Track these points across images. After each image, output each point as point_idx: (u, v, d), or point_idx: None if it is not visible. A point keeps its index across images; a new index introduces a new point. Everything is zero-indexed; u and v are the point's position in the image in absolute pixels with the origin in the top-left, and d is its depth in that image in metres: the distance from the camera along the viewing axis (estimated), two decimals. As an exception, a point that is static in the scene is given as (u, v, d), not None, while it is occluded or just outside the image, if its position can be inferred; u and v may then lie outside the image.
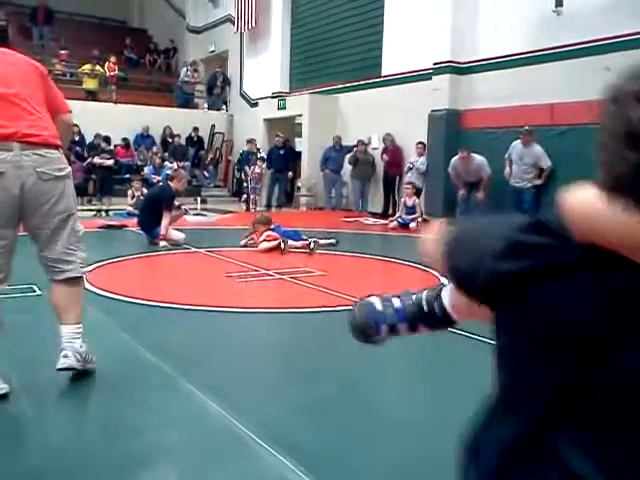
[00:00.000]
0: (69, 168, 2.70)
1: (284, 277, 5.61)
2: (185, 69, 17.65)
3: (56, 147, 2.60)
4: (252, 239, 7.44)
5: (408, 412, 2.64)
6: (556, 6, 9.10)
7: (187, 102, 17.52)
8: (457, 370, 3.23)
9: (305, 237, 7.44)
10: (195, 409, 2.52)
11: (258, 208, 13.06)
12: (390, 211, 11.77)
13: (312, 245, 7.14)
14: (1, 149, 2.39)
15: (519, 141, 9.28)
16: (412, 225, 9.84)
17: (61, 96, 2.84)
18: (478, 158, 9.64)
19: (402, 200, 10.41)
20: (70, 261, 2.70)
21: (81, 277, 2.81)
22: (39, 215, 2.55)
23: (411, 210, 10.11)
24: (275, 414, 2.53)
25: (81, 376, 2.86)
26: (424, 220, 10.47)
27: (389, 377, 3.16)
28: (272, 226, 7.45)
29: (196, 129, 16.16)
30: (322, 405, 2.64)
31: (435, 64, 10.89)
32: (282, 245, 7.06)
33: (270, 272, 5.80)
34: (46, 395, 2.69)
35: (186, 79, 17.49)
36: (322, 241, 7.54)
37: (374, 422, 2.52)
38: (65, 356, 2.67)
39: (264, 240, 7.23)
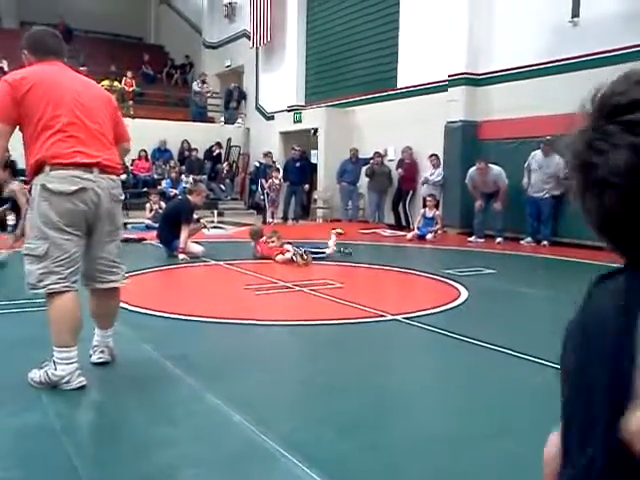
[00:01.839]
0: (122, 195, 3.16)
1: (303, 289, 5.61)
2: (195, 82, 17.98)
3: (119, 176, 3.10)
4: (257, 250, 7.56)
5: (435, 425, 2.61)
6: (572, 17, 9.08)
7: (202, 115, 17.70)
8: (485, 384, 3.21)
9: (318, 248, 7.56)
10: (221, 422, 2.52)
11: (275, 220, 13.11)
12: (403, 223, 11.77)
13: (301, 257, 7.14)
14: (85, 171, 2.86)
15: (539, 151, 9.26)
16: (429, 236, 9.82)
17: (125, 126, 3.30)
18: (495, 169, 9.61)
19: (421, 211, 10.39)
20: (116, 272, 3.08)
21: (119, 289, 3.16)
22: (104, 228, 2.97)
23: (430, 222, 10.09)
24: (301, 427, 2.52)
25: (106, 388, 2.89)
26: (444, 232, 10.48)
27: (414, 389, 3.14)
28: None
29: (219, 144, 16.33)
30: (347, 418, 2.62)
31: (450, 76, 10.90)
32: (294, 258, 7.07)
33: (289, 284, 5.81)
34: (71, 408, 2.71)
35: (197, 89, 17.76)
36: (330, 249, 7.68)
37: (401, 435, 2.51)
38: (102, 352, 3.13)
39: (279, 253, 7.28)
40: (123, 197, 3.16)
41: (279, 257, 7.22)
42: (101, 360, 3.12)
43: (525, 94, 9.82)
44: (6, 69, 16.30)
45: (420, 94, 11.73)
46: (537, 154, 9.30)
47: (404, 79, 12.26)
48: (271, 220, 13.11)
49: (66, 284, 2.82)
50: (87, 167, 2.85)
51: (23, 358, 3.29)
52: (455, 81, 10.84)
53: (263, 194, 13.42)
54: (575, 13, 9.06)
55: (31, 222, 2.85)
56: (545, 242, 9.24)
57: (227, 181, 16.37)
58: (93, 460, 2.20)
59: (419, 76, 11.73)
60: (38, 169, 2.82)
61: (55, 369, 2.79)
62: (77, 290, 2.91)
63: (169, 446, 2.31)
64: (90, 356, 3.15)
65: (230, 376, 3.16)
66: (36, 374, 2.86)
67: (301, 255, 7.09)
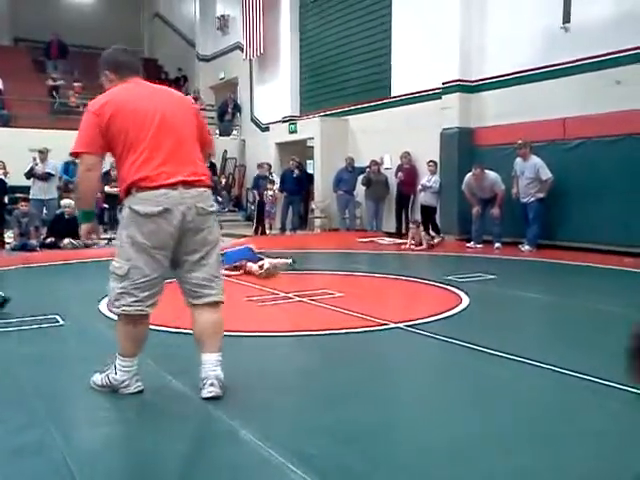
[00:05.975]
0: (216, 205, 3.07)
1: (303, 300, 5.60)
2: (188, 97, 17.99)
3: (208, 187, 3.00)
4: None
5: (443, 435, 2.59)
6: (564, 22, 9.14)
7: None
8: (492, 391, 3.19)
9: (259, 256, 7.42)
10: (229, 439, 2.49)
11: (273, 231, 13.10)
12: (404, 230, 11.75)
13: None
14: (170, 189, 2.81)
15: (519, 157, 9.30)
16: (422, 247, 9.76)
17: (207, 130, 3.22)
18: (492, 174, 9.64)
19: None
20: (213, 286, 3.00)
21: (222, 303, 3.08)
22: (193, 243, 2.91)
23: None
24: (307, 439, 2.49)
25: (110, 406, 2.87)
26: (442, 239, 10.50)
27: (421, 398, 3.12)
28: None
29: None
30: (354, 428, 2.59)
31: (444, 83, 10.95)
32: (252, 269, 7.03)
33: (290, 295, 5.79)
34: (73, 429, 2.69)
35: None
36: (280, 260, 7.52)
37: (408, 446, 2.49)
38: (212, 384, 2.89)
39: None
40: (214, 208, 3.00)
41: (255, 267, 7.12)
42: (212, 394, 2.86)
43: (519, 100, 9.87)
44: (0, 87, 16.32)
45: (414, 102, 11.78)
46: (518, 160, 9.34)
47: (398, 87, 12.32)
48: (268, 232, 13.11)
49: (140, 307, 2.87)
50: (171, 186, 2.82)
51: (23, 375, 3.27)
52: (449, 88, 10.89)
53: (254, 205, 13.37)
54: (566, 19, 9.12)
55: (119, 241, 2.89)
56: (527, 246, 9.16)
57: (224, 193, 16.38)
58: None
59: (413, 84, 11.79)
60: (127, 191, 2.87)
61: (116, 374, 2.95)
62: (149, 313, 2.95)
63: (173, 462, 2.29)
64: (200, 390, 2.90)
65: (235, 390, 3.13)
66: (98, 378, 3.01)
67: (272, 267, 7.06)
